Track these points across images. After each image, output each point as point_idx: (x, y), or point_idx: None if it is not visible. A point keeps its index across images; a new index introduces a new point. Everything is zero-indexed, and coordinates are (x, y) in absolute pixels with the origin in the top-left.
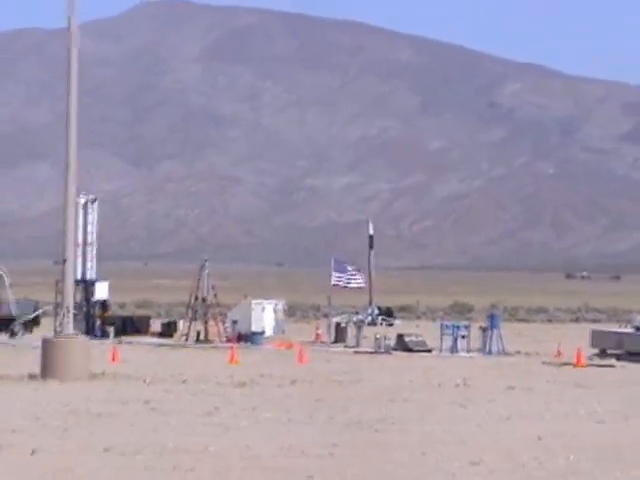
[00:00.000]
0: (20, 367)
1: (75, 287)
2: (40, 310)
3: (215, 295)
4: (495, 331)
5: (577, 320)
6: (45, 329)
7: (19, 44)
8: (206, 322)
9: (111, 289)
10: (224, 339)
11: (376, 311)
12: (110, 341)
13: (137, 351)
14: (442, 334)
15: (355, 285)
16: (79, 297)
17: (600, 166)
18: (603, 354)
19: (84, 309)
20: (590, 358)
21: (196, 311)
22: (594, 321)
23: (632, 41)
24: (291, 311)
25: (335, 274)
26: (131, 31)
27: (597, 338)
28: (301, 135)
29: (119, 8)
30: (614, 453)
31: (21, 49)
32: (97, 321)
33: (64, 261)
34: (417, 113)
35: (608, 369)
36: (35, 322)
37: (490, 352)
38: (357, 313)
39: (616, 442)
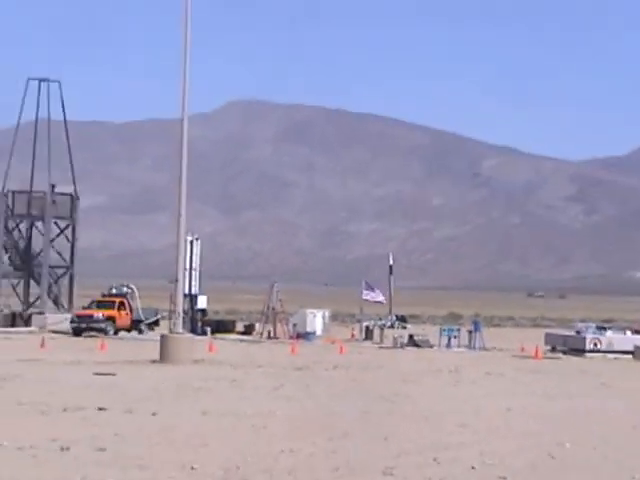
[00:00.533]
0: (145, 355)
1: (184, 299)
2: (159, 315)
3: (281, 305)
4: (478, 333)
5: (535, 326)
6: (163, 328)
7: (148, 128)
8: (275, 324)
9: (208, 301)
10: (287, 337)
11: (394, 318)
12: (207, 338)
13: (226, 345)
14: (440, 335)
15: (379, 300)
16: (186, 306)
17: (552, 218)
18: (554, 350)
19: (190, 314)
20: (545, 353)
21: (268, 316)
22: (547, 327)
23: (576, 127)
24: (334, 317)
25: (365, 292)
26: (224, 121)
27: (550, 339)
28: (342, 194)
29: (216, 104)
30: (561, 420)
31: (150, 132)
32: (199, 323)
33: (176, 280)
34: (424, 179)
35: (557, 361)
36: (156, 323)
37: (474, 348)
38: (380, 319)
39: (562, 413)
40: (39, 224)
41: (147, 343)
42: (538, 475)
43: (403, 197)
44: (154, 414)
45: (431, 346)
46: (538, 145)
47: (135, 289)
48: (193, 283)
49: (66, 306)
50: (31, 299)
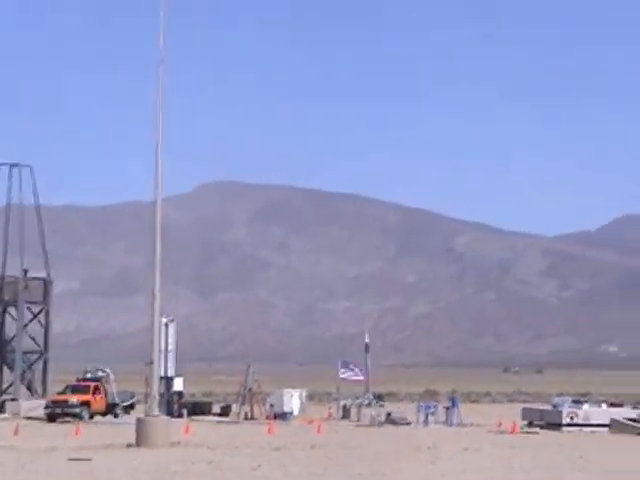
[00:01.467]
0: (121, 438)
1: (159, 381)
2: (135, 398)
3: (258, 386)
4: (455, 409)
5: (512, 401)
6: (139, 411)
7: (125, 211)
8: (252, 405)
9: (185, 383)
10: (265, 417)
11: (371, 396)
12: (184, 420)
13: (203, 427)
14: (418, 412)
15: (356, 378)
16: (162, 389)
17: (526, 294)
18: (531, 425)
19: (166, 397)
20: (522, 427)
21: (245, 397)
22: (524, 401)
23: (548, 203)
24: (311, 397)
25: (342, 370)
26: (200, 202)
27: (526, 413)
28: (316, 273)
29: (190, 186)
30: None
31: (126, 215)
32: (175, 405)
33: (151, 362)
34: (397, 257)
35: (534, 435)
36: (132, 407)
37: (452, 424)
38: (357, 398)
39: None
40: (12, 309)
41: (123, 427)
42: None
43: (376, 274)
44: None
45: (408, 423)
46: (511, 221)
47: (110, 373)
48: (169, 365)
49: (40, 392)
50: (4, 385)
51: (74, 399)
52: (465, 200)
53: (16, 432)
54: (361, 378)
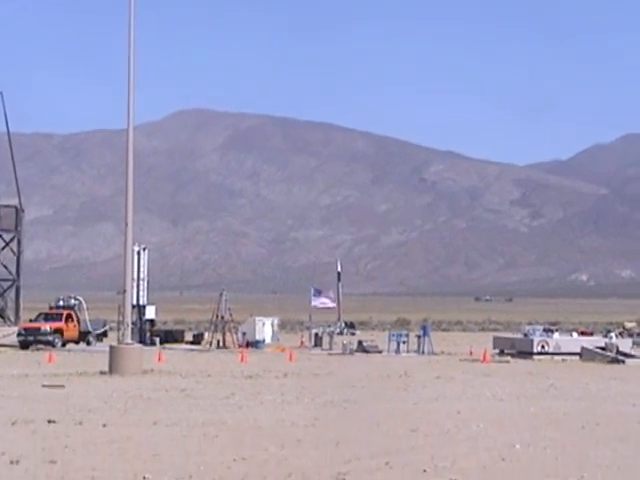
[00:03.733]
0: (94, 366)
1: (132, 310)
2: (107, 326)
3: (230, 314)
4: (426, 338)
5: (483, 330)
6: (111, 339)
7: (94, 139)
8: (224, 333)
9: (157, 311)
10: (237, 345)
11: (343, 325)
12: (156, 348)
13: (175, 355)
14: (389, 340)
15: (328, 306)
16: (135, 317)
17: (497, 222)
18: (502, 353)
19: (138, 325)
20: (493, 356)
21: (217, 326)
22: (495, 330)
23: (520, 131)
24: (283, 325)
25: (314, 298)
26: (171, 130)
27: (497, 342)
28: (288, 202)
29: (163, 113)
30: (510, 422)
31: (95, 143)
32: (147, 333)
33: (124, 291)
34: (369, 186)
35: (505, 364)
36: (104, 335)
37: (423, 352)
38: (329, 326)
39: (511, 414)
40: None
41: (96, 355)
42: (489, 476)
43: (348, 204)
44: (104, 425)
45: (380, 352)
46: (482, 150)
47: (83, 301)
48: (141, 294)
49: (13, 319)
50: None
51: (47, 327)
52: (436, 129)
53: None
54: (333, 305)
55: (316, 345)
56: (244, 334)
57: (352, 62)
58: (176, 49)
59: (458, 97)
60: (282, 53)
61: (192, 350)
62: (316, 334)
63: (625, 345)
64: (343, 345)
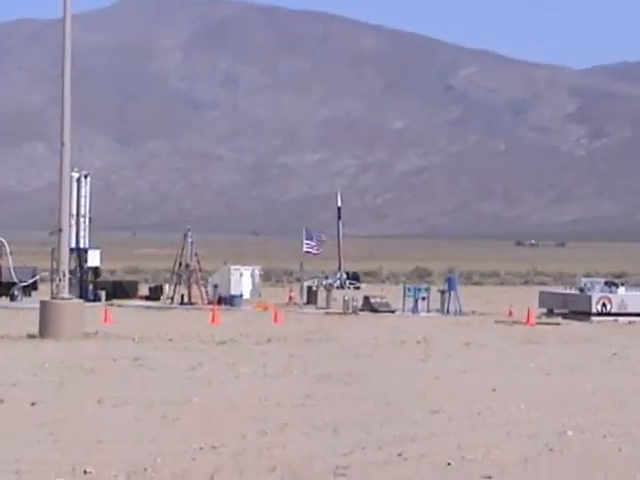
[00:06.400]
0: (20, 328)
1: (69, 255)
2: (38, 276)
3: (198, 262)
4: (452, 293)
5: (526, 283)
6: (43, 293)
7: (18, 34)
8: (189, 286)
9: (102, 257)
10: (206, 302)
11: (344, 276)
12: (102, 304)
13: (126, 313)
14: (404, 296)
15: (311, 252)
16: (73, 264)
17: (547, 144)
18: (550, 313)
19: (78, 275)
20: (539, 317)
21: (180, 276)
22: (541, 284)
23: (579, 26)
24: (266, 276)
25: (306, 242)
26: (120, 21)
27: (545, 299)
28: (275, 116)
29: (109, 0)
30: (560, 402)
31: (20, 38)
32: (90, 286)
33: (60, 231)
34: (380, 95)
35: (555, 327)
36: (33, 287)
37: (448, 312)
38: (327, 278)
39: (562, 392)
40: None
41: (22, 312)
42: (533, 472)
43: (353, 119)
44: (33, 404)
45: (392, 311)
46: (527, 50)
47: (5, 243)
48: (81, 234)
49: None
50: None
51: None
52: (468, 22)
53: None
54: (317, 253)
55: (309, 302)
56: (215, 287)
57: None
58: None
59: None
60: None
61: (148, 307)
62: (309, 288)
63: None
64: (344, 302)
